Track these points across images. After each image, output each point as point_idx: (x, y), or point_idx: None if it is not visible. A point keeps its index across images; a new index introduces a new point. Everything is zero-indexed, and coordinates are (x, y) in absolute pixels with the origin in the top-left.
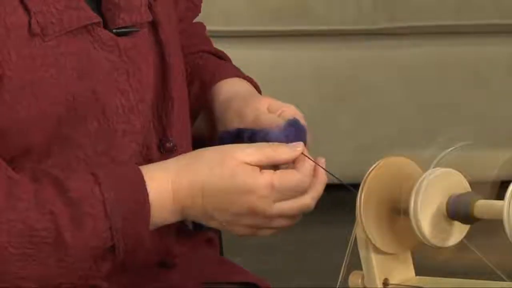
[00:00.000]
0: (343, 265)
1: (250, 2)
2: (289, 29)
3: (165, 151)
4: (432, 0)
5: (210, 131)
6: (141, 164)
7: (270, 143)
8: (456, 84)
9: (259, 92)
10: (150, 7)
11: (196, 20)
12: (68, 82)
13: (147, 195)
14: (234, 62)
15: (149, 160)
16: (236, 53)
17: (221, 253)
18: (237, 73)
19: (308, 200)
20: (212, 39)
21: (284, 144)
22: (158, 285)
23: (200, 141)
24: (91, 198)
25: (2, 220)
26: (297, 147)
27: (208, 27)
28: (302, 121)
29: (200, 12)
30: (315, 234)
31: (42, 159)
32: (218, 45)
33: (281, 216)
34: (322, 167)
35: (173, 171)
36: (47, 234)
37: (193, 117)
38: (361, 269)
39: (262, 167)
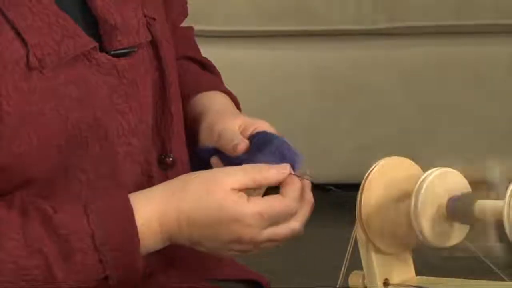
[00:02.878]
0: (344, 265)
1: (250, 2)
2: (289, 29)
3: (166, 167)
4: (432, 0)
5: (191, 141)
6: (142, 181)
7: (257, 166)
8: (456, 84)
9: (237, 105)
10: (148, 25)
11: (196, 20)
12: (68, 111)
13: (136, 228)
14: (234, 62)
15: (149, 176)
16: (236, 53)
17: None
18: (217, 86)
19: (296, 224)
20: (212, 39)
21: (271, 166)
22: (159, 283)
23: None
24: (80, 233)
25: None
26: (284, 169)
27: (208, 27)
28: (271, 131)
29: (187, 14)
30: (315, 234)
31: (44, 188)
32: (218, 45)
33: (269, 241)
34: (309, 176)
35: (158, 202)
36: (39, 272)
37: None
38: (361, 269)
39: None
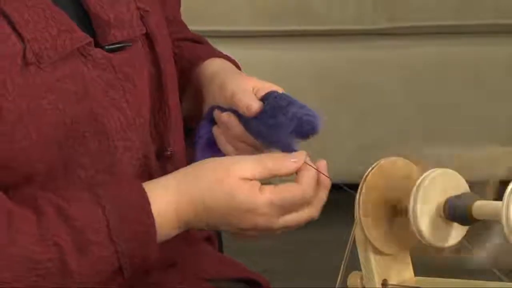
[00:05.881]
0: (342, 266)
1: (250, 2)
2: (289, 29)
3: (165, 160)
4: (432, 0)
5: (197, 110)
6: (141, 175)
7: (271, 155)
8: (456, 84)
9: (239, 68)
10: (142, 18)
11: (196, 20)
12: (66, 106)
13: (153, 217)
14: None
15: (147, 169)
16: (236, 53)
17: (221, 252)
18: (216, 53)
19: (312, 211)
20: (212, 39)
21: (286, 155)
22: (159, 283)
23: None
24: (95, 224)
25: (4, 256)
26: (299, 157)
27: (208, 27)
28: (280, 91)
29: (180, 3)
30: (315, 234)
31: (45, 184)
32: (219, 45)
33: (284, 227)
34: (323, 173)
35: (174, 191)
36: (53, 265)
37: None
38: (360, 269)
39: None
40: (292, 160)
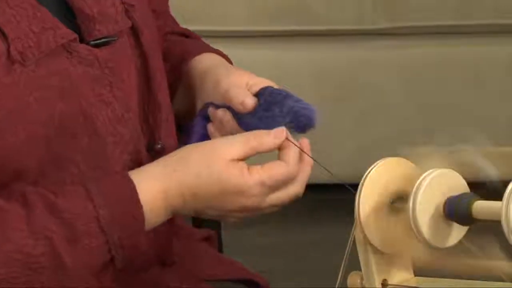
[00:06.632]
0: (342, 266)
1: (249, 2)
2: (289, 29)
3: (155, 154)
4: (432, 0)
5: (189, 106)
6: (132, 169)
7: (254, 133)
8: (456, 84)
9: (230, 63)
10: (127, 12)
11: (195, 20)
12: (53, 103)
13: (141, 207)
14: (234, 62)
15: (138, 163)
16: (236, 53)
17: (221, 252)
18: (208, 48)
19: (298, 187)
20: (212, 39)
21: (267, 132)
22: (157, 283)
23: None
24: (85, 216)
25: None
26: (280, 134)
27: (207, 27)
28: (275, 86)
29: None
30: (315, 234)
31: (36, 180)
32: (218, 45)
33: (271, 206)
34: (304, 151)
35: (161, 179)
36: (45, 259)
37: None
38: (360, 269)
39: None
40: (272, 136)
